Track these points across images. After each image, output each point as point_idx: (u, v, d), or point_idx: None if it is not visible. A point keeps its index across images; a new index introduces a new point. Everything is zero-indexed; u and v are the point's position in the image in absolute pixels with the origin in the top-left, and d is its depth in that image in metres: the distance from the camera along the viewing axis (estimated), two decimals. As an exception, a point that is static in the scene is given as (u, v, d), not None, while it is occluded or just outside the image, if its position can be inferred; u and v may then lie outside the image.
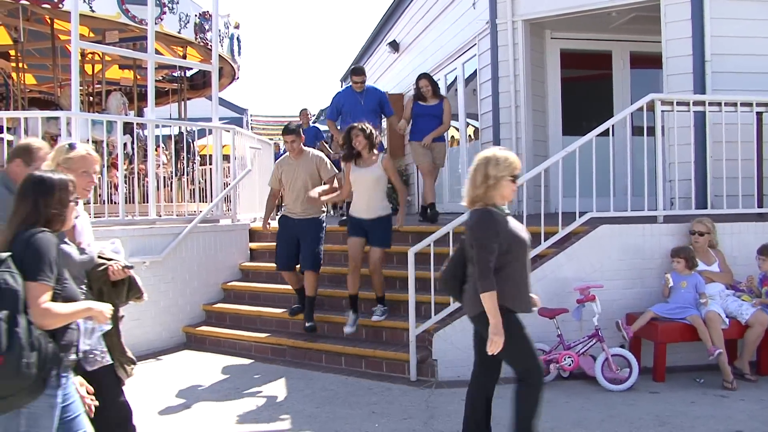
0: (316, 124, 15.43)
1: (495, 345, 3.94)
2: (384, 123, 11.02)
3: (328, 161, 7.57)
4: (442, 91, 12.41)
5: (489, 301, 3.93)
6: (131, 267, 3.87)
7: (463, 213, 6.97)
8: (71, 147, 3.52)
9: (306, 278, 7.26)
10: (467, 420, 4.39)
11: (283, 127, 7.84)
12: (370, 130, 6.90)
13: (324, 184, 7.42)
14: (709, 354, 6.10)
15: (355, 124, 6.96)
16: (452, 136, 12.31)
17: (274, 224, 7.97)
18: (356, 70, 9.08)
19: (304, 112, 13.77)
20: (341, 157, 7.22)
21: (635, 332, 6.38)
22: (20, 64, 11.99)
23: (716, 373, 6.25)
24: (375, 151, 6.97)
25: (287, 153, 7.61)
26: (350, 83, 9.20)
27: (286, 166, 7.51)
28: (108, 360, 3.28)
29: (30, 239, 2.88)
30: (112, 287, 3.81)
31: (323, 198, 7.23)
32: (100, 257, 3.72)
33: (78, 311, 3.00)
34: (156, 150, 9.21)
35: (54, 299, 2.86)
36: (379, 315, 7.14)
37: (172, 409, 5.73)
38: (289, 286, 7.72)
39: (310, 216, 7.36)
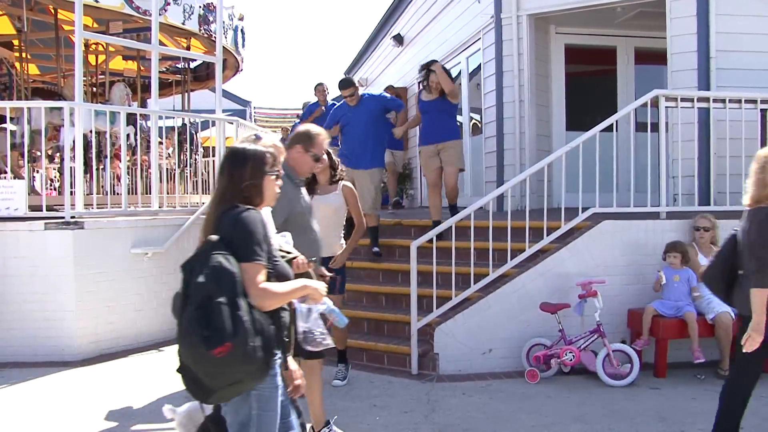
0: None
1: (751, 342, 3.89)
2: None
3: None
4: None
5: (759, 296, 3.86)
6: (314, 260, 3.81)
7: (465, 207, 7.00)
8: (257, 138, 3.50)
9: None
10: (719, 424, 4.38)
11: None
12: (330, 153, 5.57)
13: None
14: (694, 357, 6.15)
15: None
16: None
17: None
18: (342, 83, 7.98)
19: (320, 88, 11.52)
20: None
21: (637, 328, 6.40)
22: (24, 54, 11.98)
23: (717, 369, 6.26)
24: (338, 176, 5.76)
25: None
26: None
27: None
28: (329, 342, 3.18)
29: (237, 218, 2.77)
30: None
31: None
32: (280, 250, 3.68)
33: (295, 289, 2.92)
34: (166, 142, 9.21)
35: (267, 279, 2.77)
36: (340, 379, 6.21)
37: (173, 400, 5.74)
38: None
39: None
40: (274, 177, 3.01)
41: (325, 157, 5.18)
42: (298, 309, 3.06)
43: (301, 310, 3.10)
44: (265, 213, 3.35)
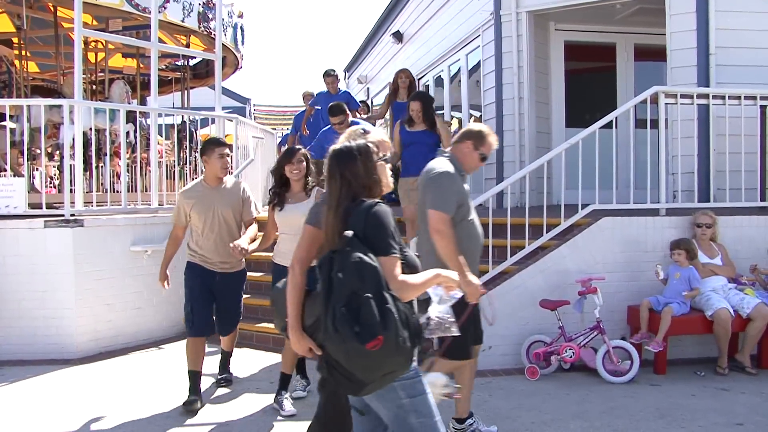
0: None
1: None
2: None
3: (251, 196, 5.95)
4: (445, 83, 12.46)
5: None
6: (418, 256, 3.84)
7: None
8: (365, 132, 3.50)
9: (229, 339, 6.12)
10: None
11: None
12: (308, 157, 5.47)
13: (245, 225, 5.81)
14: (651, 345, 6.17)
15: (298, 147, 5.58)
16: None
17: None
18: (332, 110, 7.28)
19: (332, 78, 10.25)
20: (271, 194, 5.51)
21: (636, 324, 6.41)
22: (23, 52, 11.98)
23: (717, 366, 6.27)
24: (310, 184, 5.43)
25: (199, 180, 5.78)
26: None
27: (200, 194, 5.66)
28: (455, 330, 3.12)
29: (368, 213, 2.80)
30: None
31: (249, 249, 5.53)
32: None
33: (430, 279, 2.93)
34: (171, 141, 9.20)
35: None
36: (301, 390, 5.80)
37: (173, 397, 5.75)
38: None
39: (235, 270, 5.76)
40: (383, 163, 3.03)
41: (304, 164, 5.32)
42: (432, 297, 3.05)
43: (437, 297, 3.09)
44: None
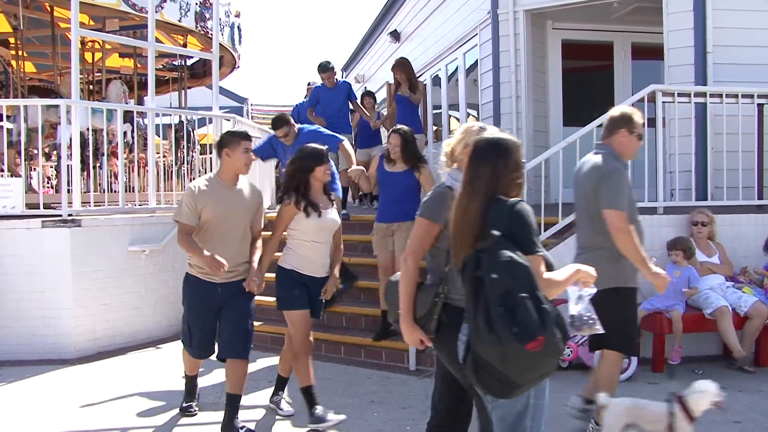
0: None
1: None
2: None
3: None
4: (443, 82, 12.46)
5: None
6: None
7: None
8: (482, 129, 3.50)
9: (233, 370, 4.89)
10: None
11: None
12: None
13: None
14: (672, 357, 6.20)
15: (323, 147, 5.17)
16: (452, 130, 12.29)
17: None
18: (275, 123, 6.97)
19: (327, 72, 9.46)
20: (282, 198, 5.08)
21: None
22: (20, 52, 11.96)
23: (715, 364, 6.28)
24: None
25: (213, 176, 4.91)
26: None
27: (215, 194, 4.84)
28: (599, 327, 3.12)
29: (512, 210, 2.74)
30: None
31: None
32: None
33: (571, 275, 2.91)
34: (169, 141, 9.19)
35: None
36: (289, 404, 5.47)
37: (172, 397, 5.75)
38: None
39: (240, 278, 4.89)
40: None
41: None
42: (570, 294, 3.04)
43: (575, 295, 3.07)
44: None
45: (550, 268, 2.85)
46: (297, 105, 10.60)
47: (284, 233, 5.09)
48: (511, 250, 2.63)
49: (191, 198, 4.69)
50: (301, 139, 6.59)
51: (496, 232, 2.68)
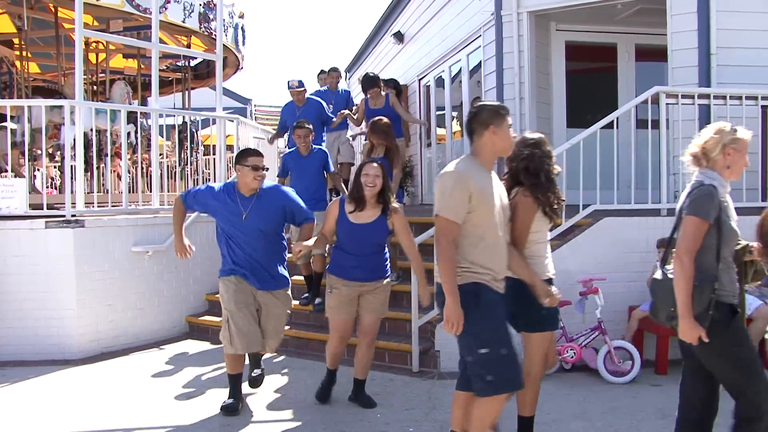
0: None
1: None
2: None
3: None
4: (446, 84, 12.46)
5: None
6: None
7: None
8: (734, 129, 3.58)
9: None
10: None
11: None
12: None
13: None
14: None
15: None
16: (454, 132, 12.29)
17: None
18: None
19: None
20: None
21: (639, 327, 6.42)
22: (24, 53, 11.98)
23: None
24: None
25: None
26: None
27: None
28: None
29: None
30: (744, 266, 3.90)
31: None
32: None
33: None
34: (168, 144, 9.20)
35: None
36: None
37: (174, 398, 5.75)
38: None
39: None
40: None
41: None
42: None
43: None
44: None
45: None
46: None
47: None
48: None
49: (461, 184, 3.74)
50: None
51: None
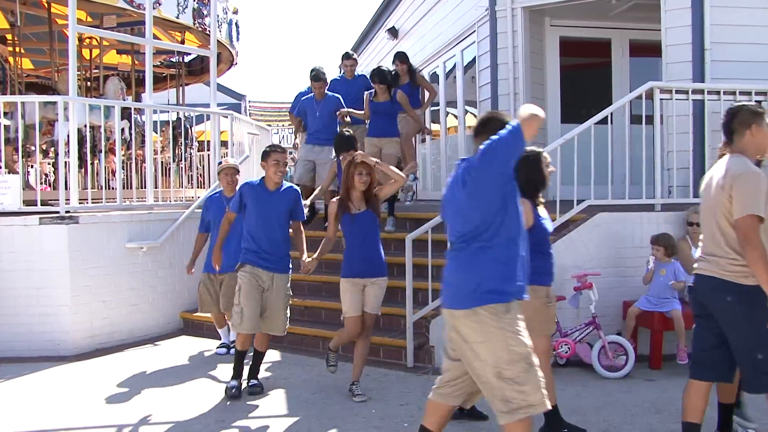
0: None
1: None
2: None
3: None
4: (441, 79, 12.45)
5: None
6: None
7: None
8: None
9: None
10: None
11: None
12: None
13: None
14: (679, 357, 6.19)
15: None
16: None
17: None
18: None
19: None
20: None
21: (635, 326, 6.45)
22: (17, 49, 11.94)
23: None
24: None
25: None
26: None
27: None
28: None
29: None
30: None
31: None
32: None
33: None
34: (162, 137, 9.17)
35: None
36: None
37: (169, 394, 5.75)
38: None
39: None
40: None
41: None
42: None
43: None
44: None
45: None
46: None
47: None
48: None
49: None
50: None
51: None
